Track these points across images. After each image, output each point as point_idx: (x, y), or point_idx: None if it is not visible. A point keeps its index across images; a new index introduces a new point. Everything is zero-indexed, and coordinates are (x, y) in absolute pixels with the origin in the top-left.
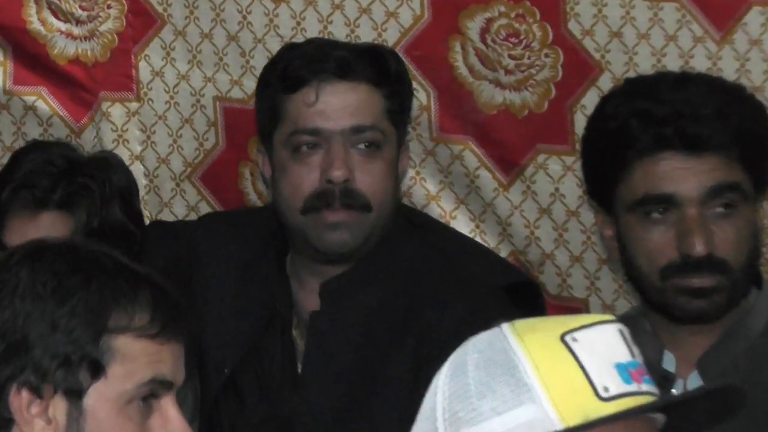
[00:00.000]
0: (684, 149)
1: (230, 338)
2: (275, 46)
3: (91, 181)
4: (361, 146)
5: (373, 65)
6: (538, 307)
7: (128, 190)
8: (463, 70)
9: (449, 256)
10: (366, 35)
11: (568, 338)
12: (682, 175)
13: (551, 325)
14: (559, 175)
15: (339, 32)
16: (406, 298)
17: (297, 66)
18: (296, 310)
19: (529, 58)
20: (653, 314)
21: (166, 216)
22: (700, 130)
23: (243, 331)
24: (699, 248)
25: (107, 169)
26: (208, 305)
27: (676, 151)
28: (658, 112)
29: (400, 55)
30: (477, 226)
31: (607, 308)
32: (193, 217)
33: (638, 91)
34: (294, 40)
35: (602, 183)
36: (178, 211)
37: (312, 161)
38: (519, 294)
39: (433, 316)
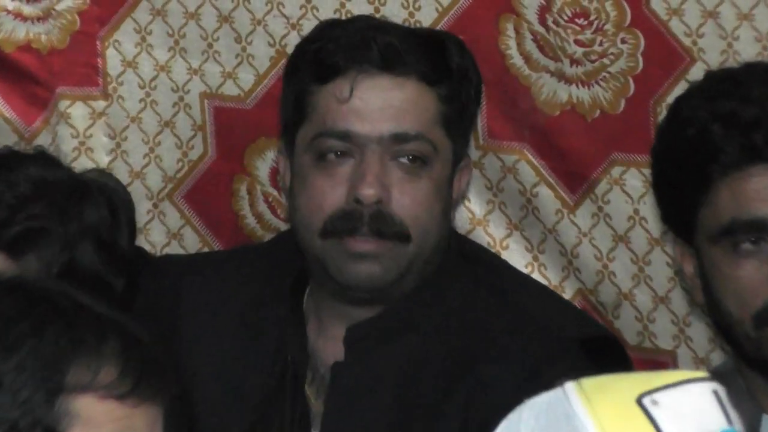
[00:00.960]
0: None
1: (231, 403)
2: (279, 29)
3: (51, 219)
4: (404, 159)
5: (428, 57)
6: (621, 368)
7: (110, 227)
8: (517, 60)
9: (509, 298)
10: (394, 15)
11: (646, 401)
12: None
13: (627, 385)
14: (639, 193)
15: (359, 11)
16: (453, 349)
17: (332, 50)
18: (312, 361)
19: (601, 44)
20: (748, 370)
21: (141, 245)
22: None
23: (247, 391)
24: None
25: (80, 200)
26: (201, 363)
27: None
28: (747, 115)
29: None
30: (535, 259)
31: (700, 362)
32: (175, 246)
33: (722, 89)
34: (302, 21)
35: (679, 206)
36: (155, 238)
37: (339, 173)
38: (595, 350)
39: (488, 373)
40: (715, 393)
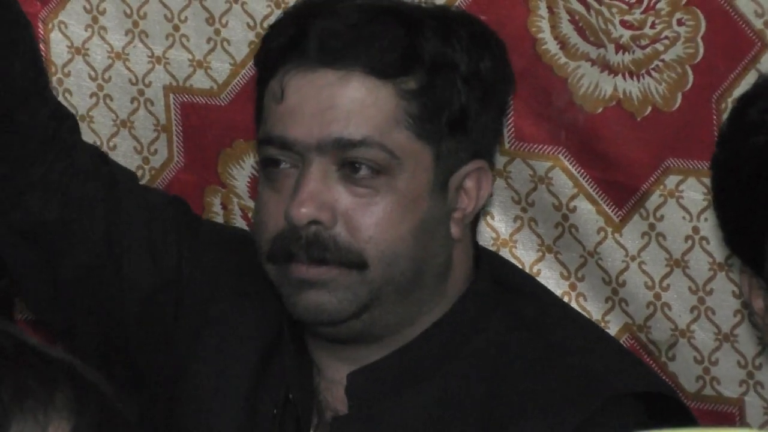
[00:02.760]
0: None
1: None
2: (260, 8)
3: None
4: (356, 172)
5: (384, 45)
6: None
7: None
8: (551, 45)
9: (552, 339)
10: None
11: None
12: None
13: None
14: (699, 208)
15: None
16: (480, 402)
17: (271, 43)
18: (318, 404)
19: (653, 26)
20: None
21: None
22: None
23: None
24: None
25: None
26: (207, 395)
27: None
28: None
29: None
30: (572, 287)
31: None
32: None
33: None
34: None
35: (745, 230)
36: None
37: (284, 186)
38: (651, 406)
39: (528, 430)
40: None
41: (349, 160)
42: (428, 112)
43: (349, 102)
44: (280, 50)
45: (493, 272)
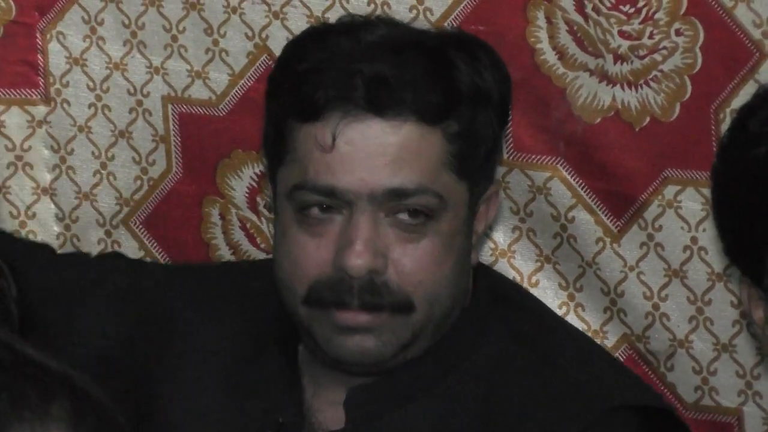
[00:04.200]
0: None
1: None
2: (258, 18)
3: None
4: (403, 216)
5: (430, 87)
6: None
7: None
8: (549, 56)
9: (549, 354)
10: (398, 2)
11: None
12: None
13: None
14: (698, 218)
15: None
16: (477, 419)
17: (312, 84)
18: (309, 425)
19: (651, 36)
20: None
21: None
22: None
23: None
24: None
25: None
26: (180, 418)
27: None
28: None
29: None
30: (570, 297)
31: None
32: None
33: None
34: (287, 9)
35: (744, 241)
36: None
37: (326, 232)
38: (648, 421)
39: None
40: None
41: (401, 208)
42: (468, 150)
43: (400, 150)
44: (326, 97)
45: (490, 287)
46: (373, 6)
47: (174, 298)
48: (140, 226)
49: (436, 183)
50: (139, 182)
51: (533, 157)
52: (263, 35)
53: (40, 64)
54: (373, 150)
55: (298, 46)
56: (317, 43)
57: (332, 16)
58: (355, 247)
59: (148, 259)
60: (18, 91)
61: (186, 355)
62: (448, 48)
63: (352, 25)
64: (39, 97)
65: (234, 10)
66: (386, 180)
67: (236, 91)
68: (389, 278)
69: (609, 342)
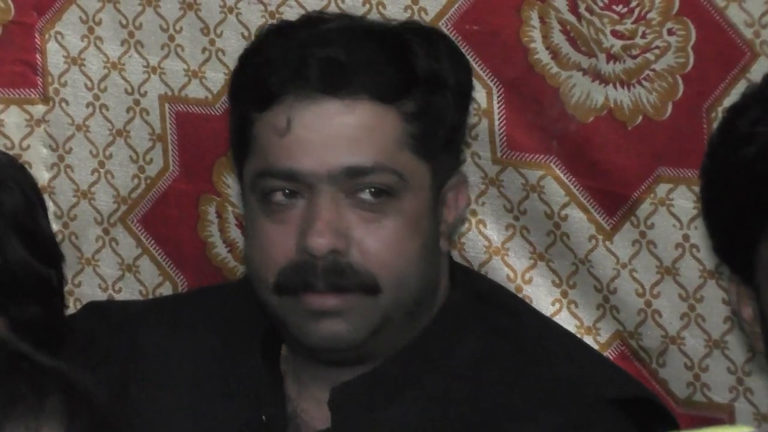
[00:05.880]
0: None
1: None
2: (254, 18)
3: None
4: (363, 195)
5: (385, 68)
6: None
7: (29, 211)
8: (543, 55)
9: (532, 351)
10: (393, 2)
11: None
12: None
13: None
14: (690, 216)
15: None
16: (463, 415)
17: (266, 71)
18: (295, 425)
19: (644, 36)
20: None
21: (88, 279)
22: None
23: None
24: None
25: None
26: (159, 425)
27: None
28: None
29: (447, 32)
30: (563, 294)
31: (762, 419)
32: (129, 279)
33: None
34: (282, 8)
35: (734, 239)
36: (106, 270)
37: (289, 218)
38: (635, 414)
39: None
40: None
41: (360, 186)
42: (427, 131)
43: (356, 130)
44: (278, 83)
45: (470, 284)
46: (368, 6)
47: (143, 329)
48: (138, 224)
49: (395, 161)
50: (136, 181)
51: (527, 155)
52: None
53: (39, 63)
54: (329, 131)
55: (257, 42)
56: (275, 37)
57: None
58: (316, 226)
59: (119, 300)
60: (17, 90)
61: (161, 374)
62: (405, 34)
63: (310, 19)
64: (37, 96)
65: (230, 10)
66: (344, 159)
67: None
68: (353, 259)
69: (602, 338)
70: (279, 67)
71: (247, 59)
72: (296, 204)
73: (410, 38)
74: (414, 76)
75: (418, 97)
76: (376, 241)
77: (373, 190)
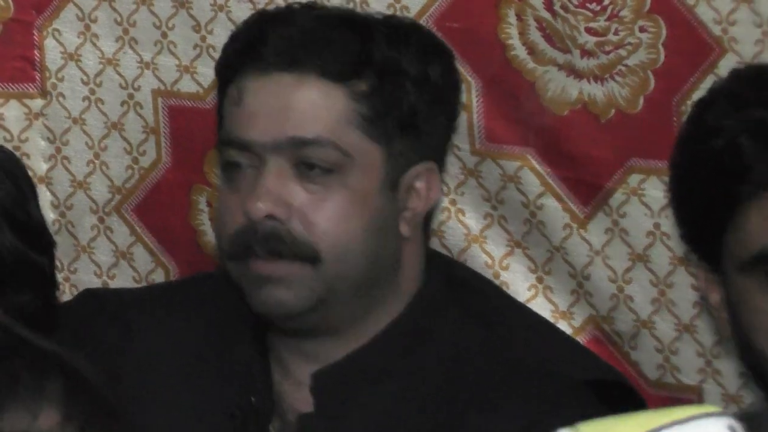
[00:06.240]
0: None
1: None
2: (244, 15)
3: None
4: (310, 170)
5: (336, 50)
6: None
7: (19, 200)
8: (520, 51)
9: (506, 335)
10: (376, 0)
11: None
12: None
13: (630, 425)
14: (660, 205)
15: None
16: (440, 397)
17: (231, 46)
18: (279, 408)
19: (617, 33)
20: None
21: (84, 266)
22: None
23: (204, 430)
24: None
25: None
26: (153, 410)
27: None
28: None
29: (428, 27)
30: (539, 280)
31: (730, 399)
32: (123, 266)
33: (751, 93)
34: (271, 6)
35: (702, 228)
36: (101, 257)
37: (241, 187)
38: (606, 396)
39: (484, 423)
40: (732, 430)
41: (303, 158)
42: (378, 113)
43: (303, 103)
44: (237, 56)
45: (444, 271)
46: (351, 4)
47: (137, 316)
48: (131, 213)
49: (340, 137)
50: (130, 171)
51: (504, 147)
52: None
53: (37, 59)
54: (277, 103)
55: (237, 28)
56: (252, 17)
57: None
58: (256, 192)
59: (114, 287)
60: (16, 85)
61: (154, 360)
62: (373, 23)
63: (291, 5)
64: (36, 90)
65: (221, 8)
66: (288, 130)
67: None
68: (294, 227)
69: (576, 323)
70: (240, 42)
71: (226, 43)
72: (250, 174)
73: (375, 26)
74: (368, 59)
75: (371, 79)
76: (318, 213)
77: (317, 164)
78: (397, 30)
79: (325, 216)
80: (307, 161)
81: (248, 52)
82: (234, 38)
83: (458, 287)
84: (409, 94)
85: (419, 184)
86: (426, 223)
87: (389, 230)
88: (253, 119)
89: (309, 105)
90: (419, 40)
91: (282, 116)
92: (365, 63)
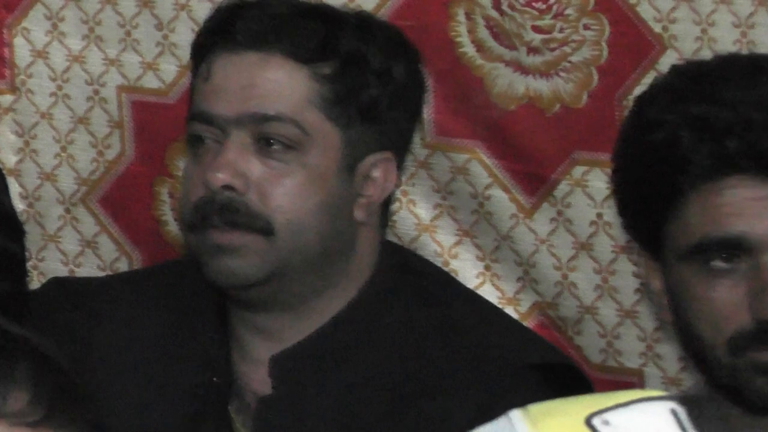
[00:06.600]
0: (757, 172)
1: (152, 424)
2: (205, 14)
3: None
4: (271, 146)
5: (304, 34)
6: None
7: None
8: (469, 49)
9: (457, 319)
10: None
11: (596, 421)
12: (755, 208)
13: (577, 406)
14: (603, 196)
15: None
16: (395, 380)
17: (203, 28)
18: (237, 388)
19: (562, 30)
20: (720, 397)
21: (51, 254)
22: None
23: (167, 419)
24: None
25: None
26: (118, 391)
27: (745, 175)
28: (719, 120)
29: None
30: (487, 268)
31: (670, 382)
32: (89, 255)
33: (690, 88)
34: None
35: (643, 218)
36: (67, 246)
37: (206, 159)
38: (554, 379)
39: (437, 406)
40: (674, 413)
41: (264, 134)
42: (339, 97)
43: (267, 81)
44: (209, 36)
45: (398, 258)
46: None
47: (103, 303)
48: (97, 204)
49: (301, 116)
50: (95, 164)
51: (454, 140)
52: None
53: (7, 56)
54: (243, 80)
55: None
56: (222, 6)
57: None
58: (216, 162)
59: (80, 275)
60: None
61: (119, 345)
62: (344, 14)
63: None
64: (6, 86)
65: (182, 7)
66: (251, 106)
67: (184, 80)
68: (250, 199)
69: (522, 309)
70: (214, 23)
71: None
72: (213, 148)
73: (346, 18)
74: (334, 46)
75: (335, 64)
76: (275, 188)
77: (277, 140)
78: (367, 24)
79: (282, 191)
80: (268, 137)
81: (220, 32)
82: (208, 20)
83: (411, 274)
84: (370, 85)
85: (376, 173)
86: (383, 212)
87: (344, 213)
88: (220, 94)
89: (273, 83)
90: (387, 38)
91: (247, 92)
92: (331, 48)
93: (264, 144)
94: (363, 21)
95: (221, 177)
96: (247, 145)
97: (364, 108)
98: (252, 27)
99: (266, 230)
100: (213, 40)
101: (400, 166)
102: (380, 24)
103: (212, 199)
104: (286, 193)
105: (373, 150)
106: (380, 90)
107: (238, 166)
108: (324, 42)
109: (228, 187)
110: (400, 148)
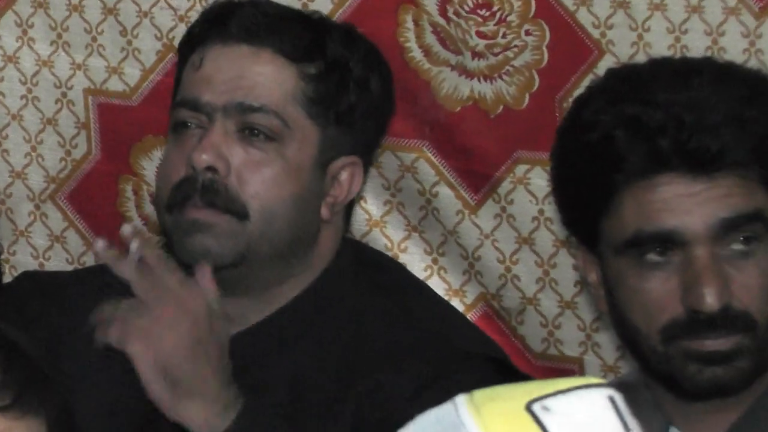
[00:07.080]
0: (688, 169)
1: (109, 419)
2: (166, 21)
3: None
4: (253, 136)
5: (295, 34)
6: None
7: None
8: (416, 53)
9: (407, 305)
10: (288, 3)
11: (536, 407)
12: (686, 203)
13: (518, 392)
14: (544, 193)
15: None
16: (345, 357)
17: (198, 21)
18: None
19: (504, 36)
20: (654, 383)
21: (22, 248)
22: (710, 142)
23: (133, 403)
24: (711, 300)
25: None
26: (85, 376)
27: (677, 173)
28: (652, 120)
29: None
30: (434, 262)
31: (608, 370)
32: (58, 249)
33: (624, 90)
34: (190, 13)
35: (580, 214)
36: (37, 241)
37: (189, 143)
38: (494, 369)
39: (381, 381)
40: (611, 399)
41: (248, 124)
42: (321, 97)
43: (256, 74)
44: (204, 28)
45: (355, 252)
46: None
47: (71, 296)
48: (65, 201)
49: (283, 109)
50: (63, 163)
51: (402, 140)
52: (170, 36)
53: None
54: (233, 72)
55: (205, 9)
56: (217, 2)
57: None
58: (202, 144)
59: (49, 269)
60: None
61: (86, 335)
62: (333, 23)
63: None
64: None
65: (145, 15)
66: (238, 96)
67: (147, 84)
68: (230, 183)
69: (468, 300)
70: (208, 17)
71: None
72: (197, 134)
73: (334, 26)
74: (321, 49)
75: (321, 66)
76: (254, 175)
77: (260, 130)
78: (351, 36)
79: (260, 178)
80: (252, 126)
81: (215, 24)
82: (203, 14)
83: (366, 264)
84: (350, 91)
85: (344, 175)
86: (347, 214)
87: (313, 208)
88: (210, 82)
89: (262, 77)
90: (369, 51)
91: (236, 83)
92: (318, 51)
93: (248, 133)
94: (348, 32)
95: (205, 158)
96: (231, 133)
97: (341, 112)
98: (246, 22)
99: (241, 214)
100: (207, 32)
101: (365, 173)
102: (362, 37)
103: (195, 178)
104: (263, 180)
105: (344, 153)
106: (358, 97)
107: (222, 151)
108: (312, 44)
109: (211, 169)
110: (366, 156)
